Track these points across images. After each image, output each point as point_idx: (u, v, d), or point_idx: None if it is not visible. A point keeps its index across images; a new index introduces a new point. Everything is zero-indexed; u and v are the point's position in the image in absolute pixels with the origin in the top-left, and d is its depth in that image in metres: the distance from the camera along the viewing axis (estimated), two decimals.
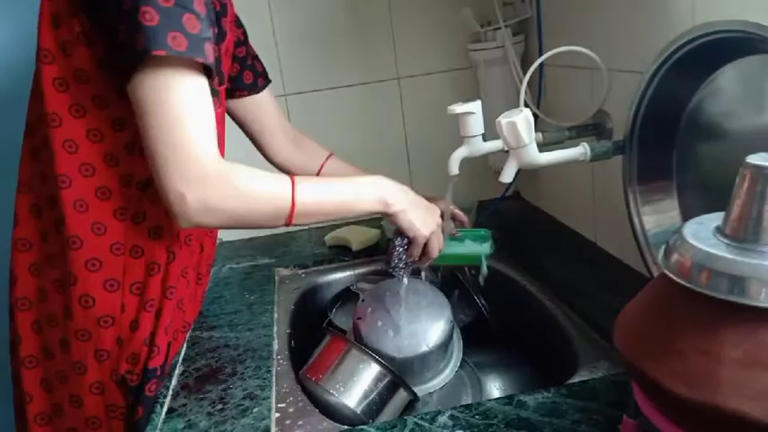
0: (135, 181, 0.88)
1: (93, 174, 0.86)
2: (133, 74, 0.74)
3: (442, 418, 0.74)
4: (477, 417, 0.74)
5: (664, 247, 0.54)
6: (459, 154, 1.06)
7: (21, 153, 0.92)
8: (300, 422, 0.82)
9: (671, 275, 0.51)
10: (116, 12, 0.74)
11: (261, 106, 1.18)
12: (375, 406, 0.90)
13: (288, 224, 0.86)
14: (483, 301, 1.17)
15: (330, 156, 1.23)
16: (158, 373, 0.92)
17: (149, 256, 0.90)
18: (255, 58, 1.18)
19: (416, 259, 1.01)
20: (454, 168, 1.06)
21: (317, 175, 1.21)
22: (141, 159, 0.85)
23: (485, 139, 1.06)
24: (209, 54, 0.76)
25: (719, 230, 0.51)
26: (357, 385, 0.89)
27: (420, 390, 0.96)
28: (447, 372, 1.01)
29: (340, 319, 1.17)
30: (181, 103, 0.75)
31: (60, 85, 0.83)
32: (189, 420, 0.81)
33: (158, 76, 0.74)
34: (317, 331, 1.05)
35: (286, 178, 0.85)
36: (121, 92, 0.79)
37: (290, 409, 0.85)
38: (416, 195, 0.98)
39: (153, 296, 0.91)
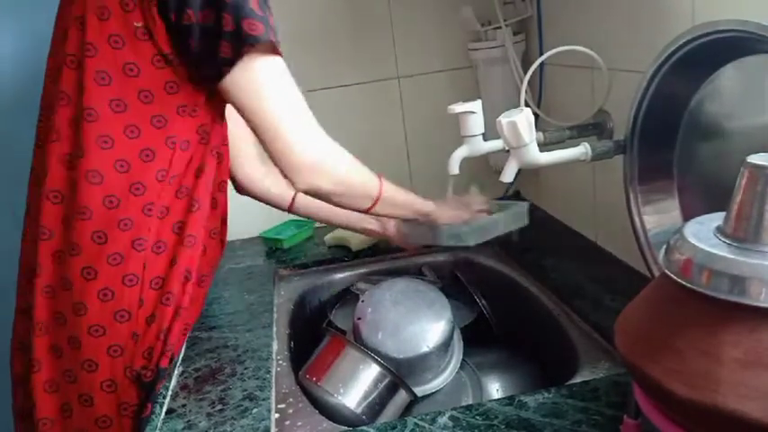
0: (169, 176, 0.89)
1: (128, 170, 0.87)
2: (238, 61, 0.82)
3: (443, 419, 0.74)
4: (477, 417, 0.74)
5: (664, 246, 0.54)
6: (460, 153, 1.06)
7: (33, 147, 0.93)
8: (300, 423, 0.82)
9: (671, 275, 0.51)
10: (212, 4, 0.79)
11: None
12: (375, 407, 0.90)
13: (371, 209, 0.98)
14: (483, 302, 1.17)
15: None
16: (167, 372, 0.92)
17: (172, 250, 0.92)
18: None
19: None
20: (454, 168, 1.06)
21: (289, 208, 1.21)
22: (181, 153, 0.89)
23: (485, 139, 1.06)
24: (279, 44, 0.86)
25: (720, 230, 0.51)
26: (357, 386, 0.89)
27: (420, 390, 0.96)
28: (447, 372, 1.00)
29: (340, 319, 1.16)
30: (291, 84, 0.87)
31: (102, 78, 0.84)
32: (188, 421, 0.81)
33: (268, 65, 0.85)
34: (317, 332, 1.05)
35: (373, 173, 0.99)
36: (168, 88, 0.85)
37: (290, 410, 0.85)
38: (453, 201, 1.13)
39: (170, 290, 0.92)
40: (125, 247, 0.88)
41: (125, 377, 0.90)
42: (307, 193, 0.92)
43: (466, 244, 1.06)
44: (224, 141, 0.99)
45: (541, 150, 0.94)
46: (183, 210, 0.92)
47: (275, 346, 1.01)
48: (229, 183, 1.15)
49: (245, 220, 1.51)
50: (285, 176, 0.89)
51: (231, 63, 0.82)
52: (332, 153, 0.92)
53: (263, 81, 0.84)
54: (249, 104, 0.85)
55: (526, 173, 1.37)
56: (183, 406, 0.84)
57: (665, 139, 0.89)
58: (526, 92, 1.07)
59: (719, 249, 0.48)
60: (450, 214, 1.09)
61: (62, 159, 0.88)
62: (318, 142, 0.90)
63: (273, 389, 0.88)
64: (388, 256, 1.36)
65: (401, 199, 1.04)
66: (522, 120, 0.89)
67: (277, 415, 0.84)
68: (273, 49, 0.84)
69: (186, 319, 0.98)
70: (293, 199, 1.18)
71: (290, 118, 0.87)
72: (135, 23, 0.82)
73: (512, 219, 1.12)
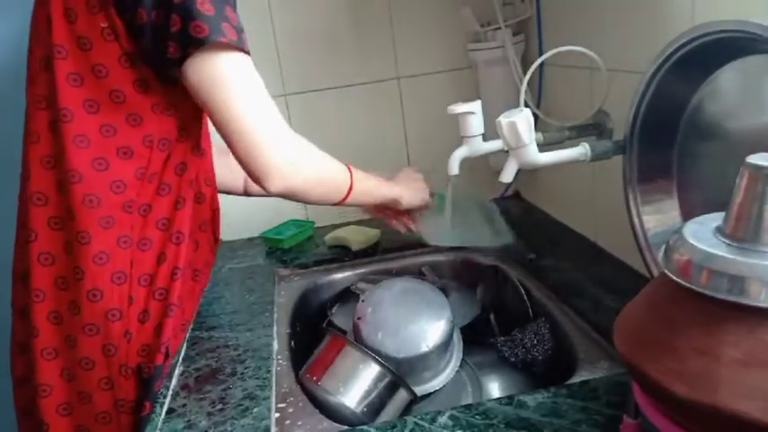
0: (148, 174, 0.89)
1: (106, 168, 0.87)
2: (188, 61, 0.80)
3: (442, 419, 0.74)
4: (477, 417, 0.74)
5: (664, 246, 0.54)
6: (459, 154, 1.06)
7: (22, 144, 0.92)
8: (300, 422, 0.82)
9: (671, 275, 0.51)
10: (162, 4, 0.79)
11: None
12: (375, 406, 0.90)
13: (342, 201, 0.99)
14: (483, 302, 1.17)
15: None
16: (164, 370, 0.92)
17: (158, 247, 0.92)
18: None
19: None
20: (454, 168, 1.06)
21: (244, 190, 1.23)
22: (159, 152, 0.90)
23: (485, 139, 1.06)
24: (246, 44, 0.84)
25: (719, 230, 0.51)
26: (357, 385, 0.89)
27: (420, 390, 0.96)
28: (447, 372, 1.01)
29: (340, 319, 1.16)
30: (255, 81, 0.84)
31: (74, 80, 0.84)
32: (189, 420, 0.81)
33: (226, 61, 0.81)
34: (317, 331, 1.05)
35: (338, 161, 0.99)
36: (139, 86, 0.85)
37: (290, 410, 0.85)
38: (413, 183, 1.18)
39: (161, 286, 0.92)
40: (110, 245, 0.88)
41: (120, 375, 0.90)
42: (280, 195, 0.90)
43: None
44: (205, 137, 0.99)
45: (541, 150, 0.94)
46: (167, 207, 0.93)
47: (275, 346, 1.01)
48: None
49: (245, 220, 1.52)
50: (255, 181, 0.87)
51: (179, 64, 0.81)
52: (303, 150, 0.90)
53: (219, 79, 0.82)
54: (210, 103, 0.83)
55: (525, 173, 1.37)
56: (184, 405, 0.84)
57: (665, 139, 0.89)
58: (525, 92, 1.07)
59: (719, 249, 0.49)
60: (415, 197, 1.15)
61: (43, 161, 0.88)
62: (288, 140, 0.87)
63: (274, 388, 0.88)
64: (388, 256, 1.36)
65: (370, 186, 1.05)
66: (521, 120, 0.89)
67: (277, 414, 0.84)
68: (229, 47, 0.81)
69: (182, 315, 0.99)
70: (244, 184, 1.22)
71: (254, 116, 0.84)
72: (101, 24, 0.82)
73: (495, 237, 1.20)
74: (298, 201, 0.95)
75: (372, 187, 1.07)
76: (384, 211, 1.21)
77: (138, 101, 0.86)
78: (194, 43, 0.79)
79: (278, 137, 0.86)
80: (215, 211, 1.05)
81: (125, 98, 0.85)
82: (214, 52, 0.80)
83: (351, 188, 0.99)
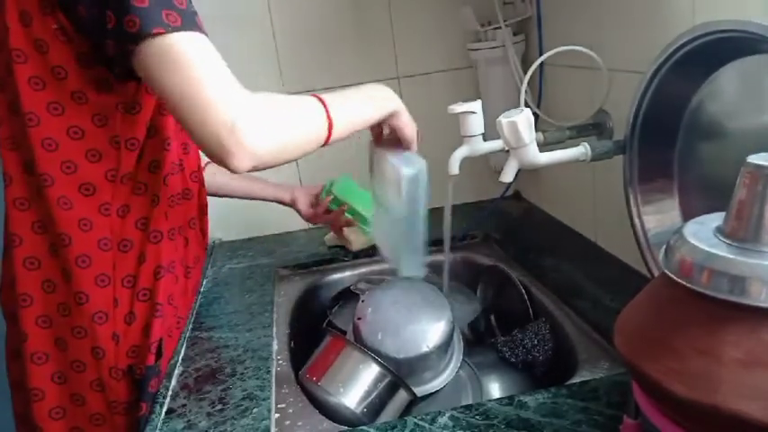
0: (120, 175, 0.89)
1: (75, 171, 0.86)
2: (132, 57, 0.74)
3: (443, 419, 0.74)
4: (477, 417, 0.74)
5: (664, 246, 0.54)
6: (460, 154, 1.06)
7: None
8: (300, 423, 0.82)
9: (671, 275, 0.51)
10: (98, 1, 0.74)
11: None
12: (375, 406, 0.90)
13: (327, 142, 0.86)
14: (484, 302, 1.17)
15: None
16: (158, 369, 0.92)
17: (139, 247, 0.92)
18: None
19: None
20: (454, 168, 1.06)
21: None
22: (128, 152, 0.88)
23: (485, 139, 1.06)
24: (201, 26, 0.76)
25: (720, 230, 0.51)
26: (357, 386, 0.89)
27: (420, 390, 0.96)
28: (447, 372, 1.00)
29: (340, 319, 1.16)
30: (197, 60, 0.74)
31: (36, 83, 0.83)
32: (188, 421, 0.81)
33: (165, 49, 0.73)
34: (317, 331, 1.05)
35: (312, 98, 0.87)
36: (100, 87, 0.83)
37: (290, 410, 0.85)
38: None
39: (145, 286, 0.92)
40: (90, 248, 0.88)
41: (111, 377, 0.90)
42: (253, 170, 0.77)
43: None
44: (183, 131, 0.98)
45: (541, 150, 0.94)
46: (145, 206, 0.92)
47: (275, 346, 1.01)
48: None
49: (245, 219, 1.52)
50: (219, 161, 0.75)
51: (122, 61, 0.76)
52: (264, 112, 0.77)
53: (168, 56, 0.73)
54: (161, 84, 0.74)
55: (526, 173, 1.37)
56: (184, 406, 0.84)
57: (665, 139, 0.89)
58: (526, 92, 1.07)
59: (719, 249, 0.49)
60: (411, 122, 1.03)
61: (22, 166, 0.88)
62: (247, 104, 0.75)
63: (273, 389, 0.88)
64: None
65: (353, 109, 0.94)
66: (521, 120, 0.89)
67: (277, 415, 0.84)
68: (169, 29, 0.72)
69: (174, 313, 0.98)
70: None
71: (211, 89, 0.74)
72: (53, 26, 0.80)
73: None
74: (276, 165, 0.82)
75: (356, 110, 0.95)
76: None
77: (101, 101, 0.85)
78: (129, 39, 0.73)
79: (236, 102, 0.75)
80: (203, 207, 1.05)
81: (87, 99, 0.84)
82: (158, 38, 0.73)
83: (331, 123, 0.86)
